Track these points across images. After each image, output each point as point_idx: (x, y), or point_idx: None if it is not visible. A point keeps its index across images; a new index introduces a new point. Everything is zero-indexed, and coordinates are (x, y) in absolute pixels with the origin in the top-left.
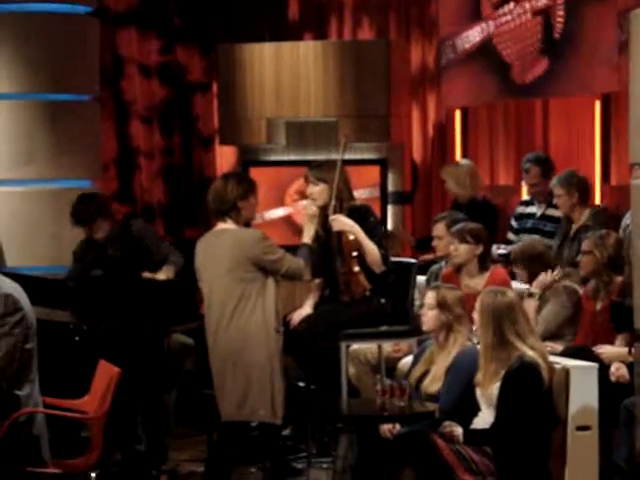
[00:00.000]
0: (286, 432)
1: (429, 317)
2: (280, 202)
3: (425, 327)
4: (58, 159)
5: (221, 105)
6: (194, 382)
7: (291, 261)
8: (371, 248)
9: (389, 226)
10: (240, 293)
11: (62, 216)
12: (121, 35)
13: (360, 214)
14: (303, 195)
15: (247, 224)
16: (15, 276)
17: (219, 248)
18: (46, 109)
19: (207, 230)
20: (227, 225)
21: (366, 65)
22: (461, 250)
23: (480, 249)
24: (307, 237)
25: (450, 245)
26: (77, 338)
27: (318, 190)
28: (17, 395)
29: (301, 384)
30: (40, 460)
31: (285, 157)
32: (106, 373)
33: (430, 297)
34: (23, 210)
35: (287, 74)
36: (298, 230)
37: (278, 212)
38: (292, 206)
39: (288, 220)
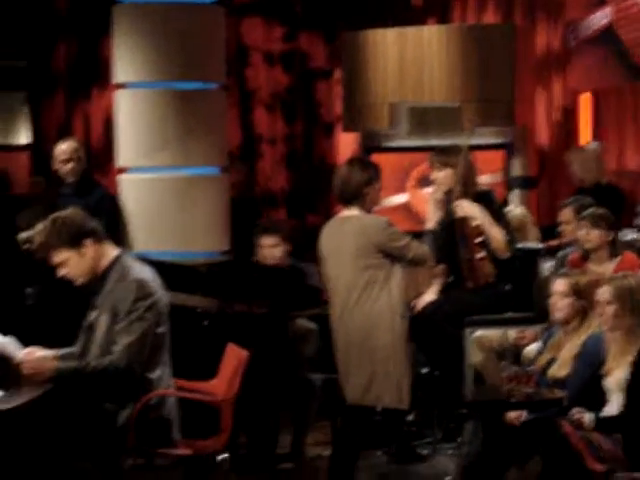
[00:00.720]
0: (410, 418)
1: (563, 305)
2: (401, 189)
3: (558, 315)
4: (186, 147)
5: (344, 91)
6: (316, 367)
7: (417, 247)
8: (496, 234)
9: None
10: (366, 279)
11: (191, 203)
12: (245, 24)
13: (485, 199)
14: (422, 182)
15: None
16: (145, 261)
17: (344, 235)
18: (175, 98)
19: (329, 217)
20: (352, 212)
21: (490, 49)
22: (593, 235)
23: (611, 235)
24: (431, 223)
25: (578, 230)
26: (205, 322)
27: (443, 175)
28: (149, 378)
29: (425, 370)
30: (171, 441)
31: (408, 143)
32: (235, 356)
33: (562, 285)
34: (153, 197)
35: (410, 59)
36: (416, 218)
37: (398, 199)
38: (411, 193)
39: (406, 207)
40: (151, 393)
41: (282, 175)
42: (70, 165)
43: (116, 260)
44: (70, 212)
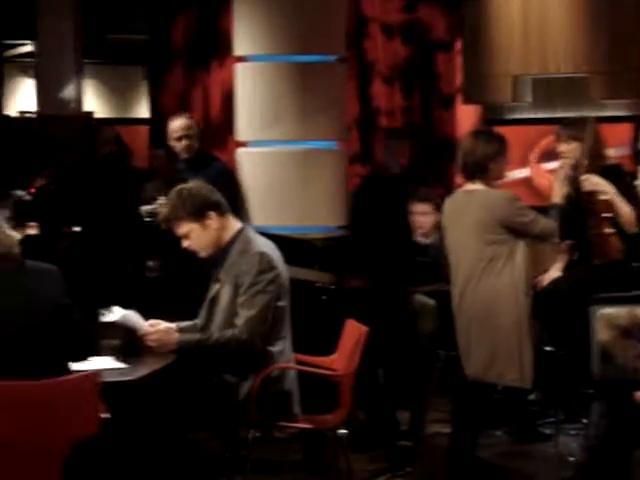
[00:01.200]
0: (532, 397)
1: None
2: (523, 163)
3: None
4: (305, 120)
5: (465, 63)
6: (436, 344)
7: (544, 222)
8: (625, 209)
9: None
10: (489, 255)
11: (308, 177)
12: None
13: (614, 173)
14: (545, 156)
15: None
16: (264, 235)
17: (467, 209)
18: (294, 71)
19: (448, 190)
20: (476, 185)
21: (619, 18)
22: None
23: None
24: (558, 197)
25: None
26: (323, 297)
27: (570, 148)
28: (270, 351)
29: (548, 349)
30: (291, 415)
31: (531, 115)
32: (354, 332)
33: None
34: (270, 171)
35: (534, 29)
36: (538, 192)
37: (520, 173)
38: (533, 167)
39: (528, 182)
40: (272, 366)
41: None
42: (184, 142)
43: (239, 233)
44: (195, 184)
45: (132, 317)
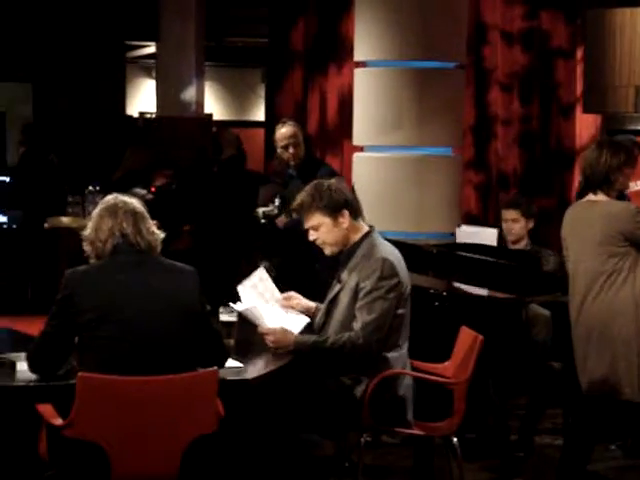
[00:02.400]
0: None
1: None
2: None
3: None
4: (421, 126)
5: (587, 72)
6: (548, 354)
7: None
8: None
9: None
10: (610, 268)
11: (423, 182)
12: (485, 2)
13: None
14: None
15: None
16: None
17: (589, 220)
18: (413, 76)
19: (563, 200)
20: (598, 197)
21: None
22: None
23: None
24: None
25: None
26: (436, 303)
27: None
28: (386, 357)
29: None
30: (404, 421)
31: None
32: (468, 339)
33: None
34: (386, 176)
35: None
36: None
37: (636, 185)
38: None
39: None
40: (386, 371)
41: (515, 156)
42: (290, 150)
43: (366, 236)
44: (334, 181)
45: (255, 312)
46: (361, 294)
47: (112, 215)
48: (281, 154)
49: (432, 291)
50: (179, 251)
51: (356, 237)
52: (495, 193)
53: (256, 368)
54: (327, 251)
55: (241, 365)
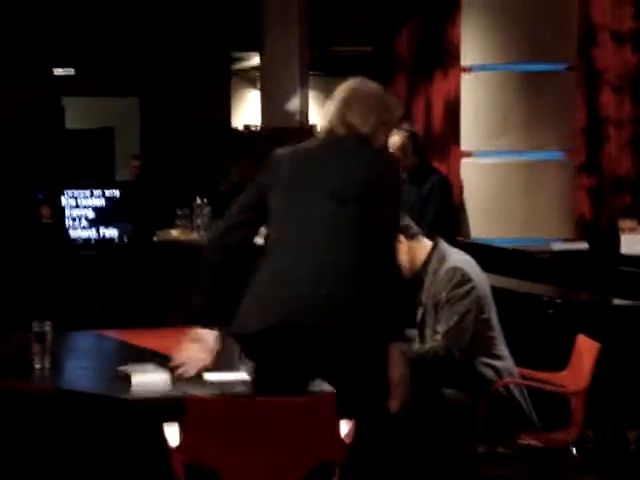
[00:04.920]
0: None
1: None
2: None
3: None
4: (532, 131)
5: None
6: None
7: None
8: None
9: None
10: None
11: (534, 188)
12: (594, 2)
13: None
14: None
15: None
16: (484, 247)
17: None
18: (522, 80)
19: None
20: None
21: None
22: None
23: None
24: None
25: None
26: (550, 311)
27: None
28: (495, 366)
29: None
30: (519, 431)
31: None
32: (586, 348)
33: None
34: (496, 181)
35: None
36: None
37: None
38: None
39: None
40: (501, 381)
41: (628, 159)
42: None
43: (432, 252)
44: None
45: None
46: (440, 306)
47: None
48: None
49: (545, 298)
50: None
51: (422, 256)
52: (609, 197)
53: None
54: None
55: None
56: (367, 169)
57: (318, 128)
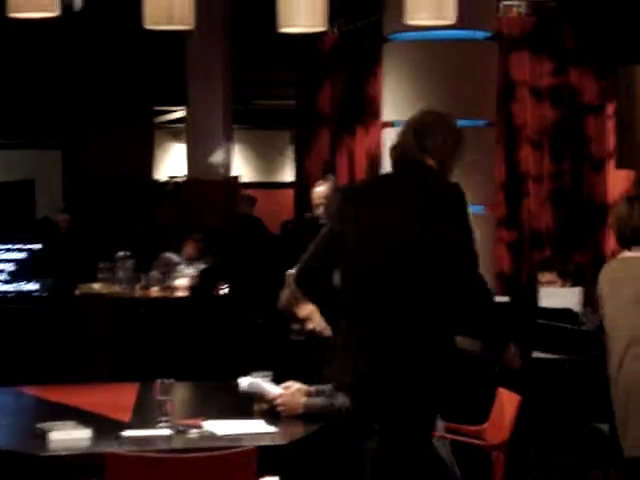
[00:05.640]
0: None
1: None
2: None
3: None
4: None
5: (618, 128)
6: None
7: None
8: None
9: None
10: None
11: None
12: (514, 59)
13: None
14: None
15: None
16: None
17: (625, 279)
18: None
19: (598, 256)
20: (634, 253)
21: None
22: None
23: None
24: None
25: None
26: (472, 364)
27: None
28: None
29: None
30: (453, 477)
31: None
32: (506, 400)
33: None
34: None
35: None
36: None
37: None
38: None
39: None
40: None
41: (548, 213)
42: (321, 209)
43: None
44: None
45: (259, 384)
46: None
47: None
48: (314, 211)
49: (468, 352)
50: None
51: None
52: (528, 251)
53: (292, 432)
54: (327, 334)
55: (276, 429)
56: (429, 198)
57: (389, 155)
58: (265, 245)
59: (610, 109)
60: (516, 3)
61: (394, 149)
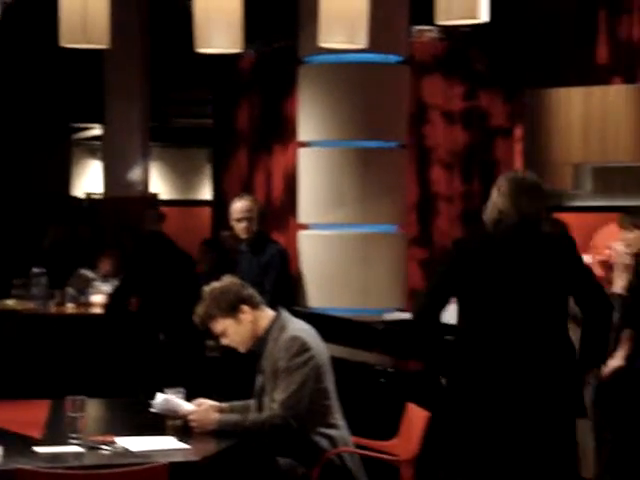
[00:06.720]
0: None
1: None
2: (584, 249)
3: None
4: (365, 204)
5: (525, 150)
6: None
7: None
8: None
9: None
10: None
11: (369, 260)
12: (426, 82)
13: None
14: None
15: None
16: (321, 316)
17: None
18: (356, 156)
19: None
20: None
21: None
22: None
23: None
24: (619, 287)
25: None
26: (382, 380)
27: (633, 237)
28: (329, 435)
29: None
30: None
31: (591, 203)
32: (415, 416)
33: None
34: (331, 253)
35: (595, 119)
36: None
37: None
38: (593, 256)
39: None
40: (333, 450)
41: (458, 232)
42: (243, 224)
43: (274, 322)
44: (225, 281)
45: (171, 401)
46: (278, 375)
47: None
48: (234, 226)
49: (378, 367)
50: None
51: (264, 324)
52: None
53: (204, 448)
54: (242, 350)
55: (188, 446)
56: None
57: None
58: (172, 261)
59: (518, 132)
60: (428, 28)
61: (500, 213)
